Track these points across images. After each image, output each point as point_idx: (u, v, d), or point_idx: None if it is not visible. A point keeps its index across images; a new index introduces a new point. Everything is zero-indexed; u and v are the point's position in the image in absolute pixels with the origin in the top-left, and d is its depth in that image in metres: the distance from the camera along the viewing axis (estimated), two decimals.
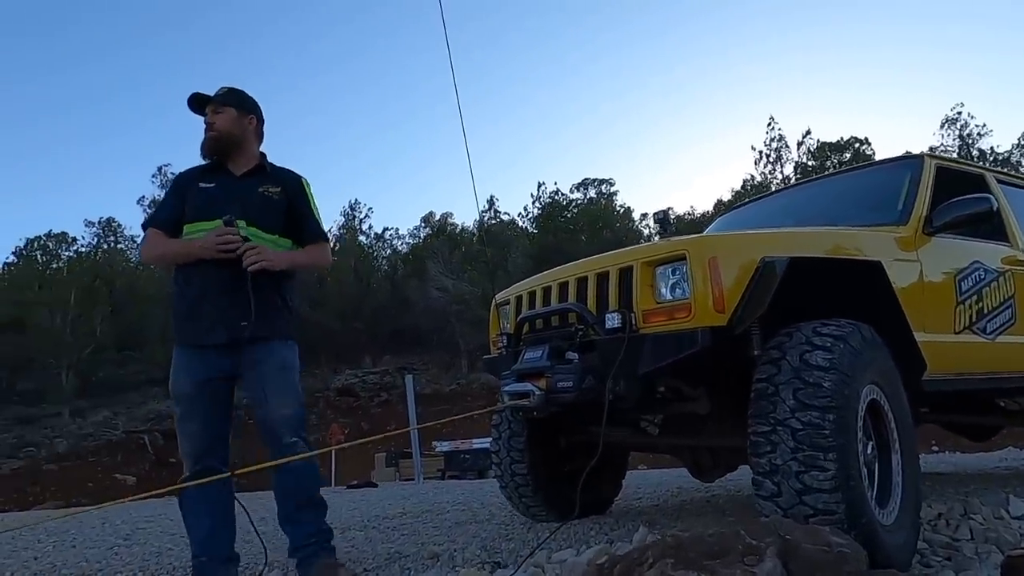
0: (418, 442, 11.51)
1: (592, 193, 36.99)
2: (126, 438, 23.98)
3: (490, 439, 3.59)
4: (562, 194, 36.06)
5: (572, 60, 64.84)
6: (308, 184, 2.65)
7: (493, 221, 35.64)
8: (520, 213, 37.21)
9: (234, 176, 2.53)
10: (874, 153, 30.59)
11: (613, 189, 37.45)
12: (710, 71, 62.85)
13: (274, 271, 2.43)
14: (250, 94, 2.64)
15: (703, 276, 2.27)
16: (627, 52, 64.87)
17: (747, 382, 2.32)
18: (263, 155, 2.62)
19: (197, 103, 2.54)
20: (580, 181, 37.02)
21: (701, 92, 63.07)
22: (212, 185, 2.49)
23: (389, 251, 38.90)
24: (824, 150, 31.74)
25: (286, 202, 2.53)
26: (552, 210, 35.39)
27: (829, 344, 2.20)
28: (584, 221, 33.82)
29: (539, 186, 36.43)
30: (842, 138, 32.12)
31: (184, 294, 2.44)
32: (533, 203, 36.39)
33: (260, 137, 2.64)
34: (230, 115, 2.51)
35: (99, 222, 35.03)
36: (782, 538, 1.80)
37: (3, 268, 32.38)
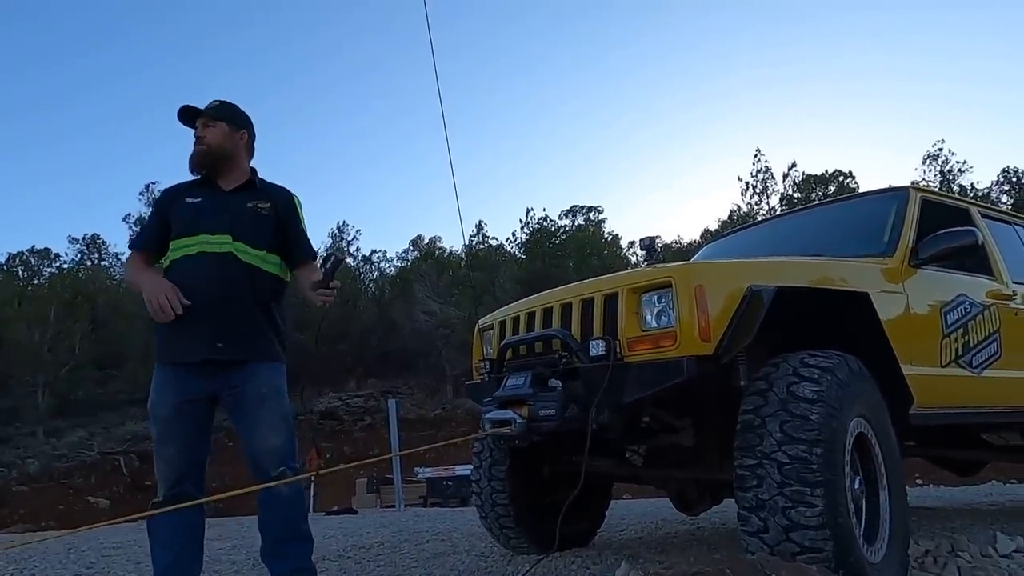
0: (400, 468, 11.31)
1: (580, 220, 37.16)
2: (101, 459, 23.43)
3: (472, 467, 3.50)
4: (550, 220, 36.19)
5: (562, 87, 65.74)
6: (299, 202, 2.58)
7: (481, 246, 35.66)
8: (508, 238, 37.28)
9: (223, 191, 2.46)
10: (858, 186, 31.05)
11: (601, 216, 37.66)
12: (699, 101, 63.85)
13: (257, 291, 2.37)
14: (242, 109, 2.58)
15: (689, 304, 2.24)
16: (616, 80, 65.89)
17: (733, 413, 2.27)
18: (254, 171, 2.56)
19: (187, 116, 2.48)
20: (569, 208, 37.20)
21: (690, 122, 63.89)
22: (199, 200, 2.42)
23: (376, 273, 38.78)
24: (809, 182, 32.18)
25: (276, 219, 2.45)
26: (540, 236, 35.47)
27: (816, 375, 2.17)
28: (572, 247, 33.92)
29: (527, 212, 36.51)
30: (827, 171, 32.62)
31: None
32: (521, 228, 36.44)
33: (251, 152, 2.58)
34: (221, 129, 2.45)
35: (83, 239, 34.78)
36: None
37: None
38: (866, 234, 3.23)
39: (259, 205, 2.45)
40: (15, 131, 51.19)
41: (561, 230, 36.20)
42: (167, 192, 2.53)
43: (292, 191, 2.59)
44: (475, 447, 3.44)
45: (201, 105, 2.50)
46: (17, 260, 32.43)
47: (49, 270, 32.81)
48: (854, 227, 3.45)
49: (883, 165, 53.02)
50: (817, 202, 4.85)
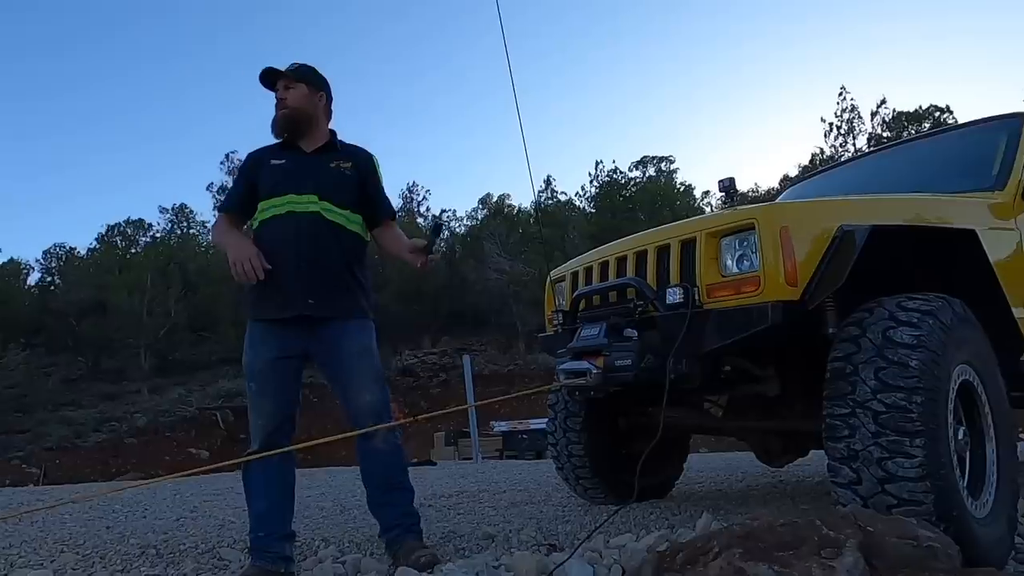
0: (476, 422, 11.57)
1: (651, 171, 36.19)
2: (199, 414, 25.10)
3: (547, 420, 3.51)
4: (620, 172, 35.43)
5: (629, 35, 63.38)
6: (378, 162, 2.60)
7: (550, 201, 35.35)
8: (577, 193, 36.84)
9: (305, 152, 2.49)
10: (956, 121, 28.79)
11: (673, 167, 36.55)
12: (774, 40, 60.28)
13: (344, 249, 2.42)
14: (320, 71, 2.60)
15: (774, 247, 2.11)
16: (686, 24, 62.89)
17: (820, 362, 2.15)
18: (333, 132, 2.59)
19: (268, 78, 2.51)
20: (639, 159, 36.29)
21: (764, 63, 60.62)
22: (283, 161, 2.47)
23: (447, 233, 39.22)
24: (901, 120, 29.96)
25: (358, 178, 2.49)
26: (610, 189, 34.81)
27: (916, 320, 2.01)
28: (643, 200, 33.14)
29: (596, 165, 36.01)
30: (920, 107, 30.26)
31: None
32: (591, 182, 35.91)
33: (329, 115, 2.61)
34: (301, 91, 2.48)
35: (172, 208, 36.63)
36: (863, 530, 1.65)
37: (87, 254, 34.28)
38: (971, 167, 2.96)
39: (341, 165, 2.48)
40: (102, 105, 54.02)
41: (632, 182, 35.42)
42: (251, 156, 2.57)
43: (371, 151, 2.60)
44: (550, 399, 3.44)
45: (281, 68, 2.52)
46: (115, 231, 34.56)
47: (144, 239, 34.84)
48: (957, 160, 3.17)
49: (984, 100, 48.79)
50: (912, 136, 4.48)
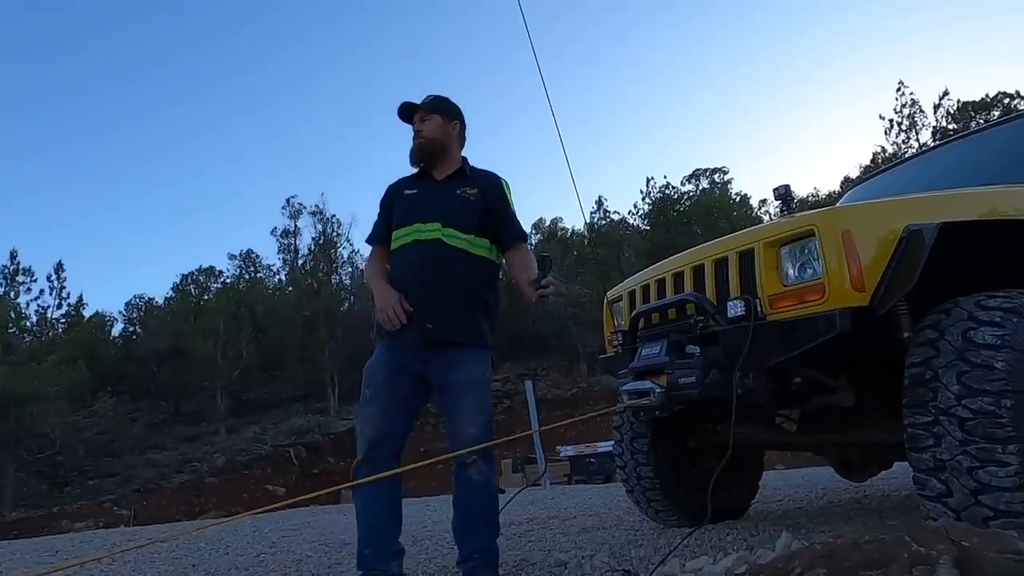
0: (542, 447, 11.49)
1: (704, 183, 35.62)
2: (273, 452, 25.82)
3: (613, 442, 3.46)
4: (672, 187, 35.00)
5: (669, 44, 63.01)
6: (508, 185, 2.64)
7: (603, 222, 35.20)
8: (630, 211, 36.55)
9: (436, 180, 2.58)
10: None
11: (727, 177, 35.87)
12: (823, 38, 58.82)
13: (467, 274, 2.46)
14: (454, 101, 2.68)
15: (837, 252, 2.04)
16: (724, 26, 62.08)
17: (897, 368, 2.05)
18: (464, 159, 2.66)
19: (406, 112, 2.62)
20: (691, 172, 35.81)
21: (815, 62, 59.16)
22: (415, 191, 2.58)
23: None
24: (967, 110, 28.55)
25: (484, 203, 2.53)
26: (663, 205, 34.39)
27: (998, 318, 1.90)
28: (698, 213, 32.60)
29: (648, 181, 35.56)
30: (987, 95, 28.81)
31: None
32: (643, 199, 35.61)
33: (463, 141, 2.69)
34: (436, 122, 2.57)
35: (240, 254, 38.23)
36: (957, 545, 1.55)
37: (164, 303, 36.08)
38: None
39: (467, 191, 2.53)
40: (172, 161, 57.22)
41: (685, 196, 34.93)
42: (390, 188, 2.69)
43: (500, 176, 2.65)
44: (615, 421, 3.39)
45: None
46: (188, 280, 36.28)
47: (215, 285, 36.41)
48: None
49: None
50: (982, 125, 4.27)
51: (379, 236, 2.66)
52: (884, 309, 2.03)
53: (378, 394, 2.41)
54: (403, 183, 2.65)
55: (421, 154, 2.58)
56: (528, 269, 2.48)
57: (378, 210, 2.70)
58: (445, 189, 2.54)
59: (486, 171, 2.65)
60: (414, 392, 2.46)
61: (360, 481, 2.32)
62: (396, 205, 2.59)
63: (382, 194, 2.70)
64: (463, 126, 2.67)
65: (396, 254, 2.54)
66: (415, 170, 2.66)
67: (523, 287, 2.44)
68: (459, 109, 2.67)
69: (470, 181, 2.57)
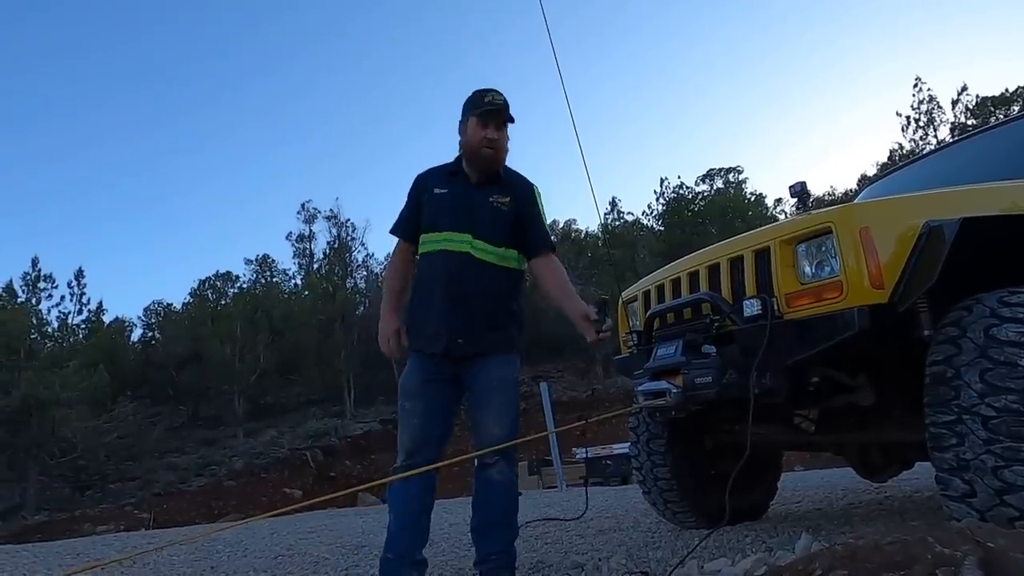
0: (558, 449, 11.45)
1: (719, 183, 35.43)
2: (291, 455, 25.99)
3: (630, 443, 3.44)
4: (687, 187, 34.83)
5: (681, 43, 62.72)
6: (539, 192, 2.58)
7: (617, 223, 35.09)
8: (644, 211, 36.41)
9: (470, 183, 2.50)
10: None
11: (742, 176, 35.68)
12: (839, 35, 58.22)
13: (495, 287, 2.45)
14: None
15: (854, 249, 2.02)
16: (740, 25, 61.69)
17: (917, 366, 2.02)
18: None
19: (503, 116, 2.46)
20: (705, 172, 35.65)
21: (831, 60, 58.58)
22: (446, 191, 2.49)
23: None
24: (986, 105, 28.14)
25: (515, 212, 2.48)
26: (678, 205, 34.23)
27: (1022, 315, 1.86)
28: (713, 213, 32.40)
29: (661, 182, 35.40)
30: (1007, 89, 28.38)
31: (414, 306, 2.54)
32: (657, 200, 35.45)
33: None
34: (506, 136, 2.48)
35: (256, 259, 38.55)
36: (982, 546, 1.52)
37: (182, 308, 36.46)
38: None
39: (499, 200, 2.47)
40: (189, 167, 57.87)
41: (700, 196, 34.74)
42: (420, 178, 2.61)
43: (532, 182, 2.59)
44: (631, 422, 3.37)
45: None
46: (206, 285, 36.63)
47: (232, 290, 36.71)
48: None
49: None
50: (1002, 120, 4.19)
51: (404, 230, 2.59)
52: (904, 307, 2.01)
53: (415, 405, 2.42)
54: (434, 178, 2.55)
55: (492, 167, 2.47)
56: (559, 277, 2.51)
57: (406, 200, 2.62)
58: (478, 196, 2.47)
59: (519, 176, 2.58)
60: (449, 397, 2.47)
61: (365, 485, 2.35)
62: (425, 202, 2.51)
63: (410, 184, 2.61)
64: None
65: (424, 260, 2.50)
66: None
67: (577, 319, 2.40)
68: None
69: (503, 188, 2.50)
